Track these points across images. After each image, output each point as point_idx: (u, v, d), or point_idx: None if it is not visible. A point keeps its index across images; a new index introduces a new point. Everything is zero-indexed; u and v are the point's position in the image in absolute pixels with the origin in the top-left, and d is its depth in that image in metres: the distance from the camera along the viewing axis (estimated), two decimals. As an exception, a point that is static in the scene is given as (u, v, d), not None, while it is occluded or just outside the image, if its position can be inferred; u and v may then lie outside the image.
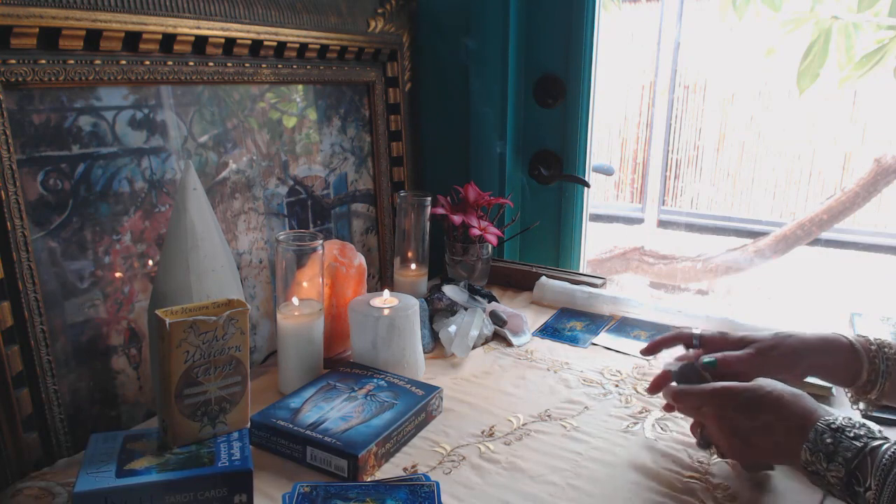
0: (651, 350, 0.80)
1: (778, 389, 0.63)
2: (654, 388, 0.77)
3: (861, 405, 0.72)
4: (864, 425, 0.56)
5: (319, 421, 0.77)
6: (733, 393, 0.64)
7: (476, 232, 1.20)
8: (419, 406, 0.81)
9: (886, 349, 0.67)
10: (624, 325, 1.13)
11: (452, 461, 0.75)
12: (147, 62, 0.87)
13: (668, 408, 0.80)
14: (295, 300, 0.89)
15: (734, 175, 2.66)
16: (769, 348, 0.68)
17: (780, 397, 0.61)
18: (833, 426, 0.56)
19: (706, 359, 0.68)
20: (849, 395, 0.72)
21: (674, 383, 0.73)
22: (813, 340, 0.68)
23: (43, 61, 0.76)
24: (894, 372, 0.66)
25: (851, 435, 0.55)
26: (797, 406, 0.60)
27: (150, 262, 0.90)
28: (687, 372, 0.72)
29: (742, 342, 0.72)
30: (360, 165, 1.29)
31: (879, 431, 0.56)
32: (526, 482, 0.71)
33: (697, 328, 0.77)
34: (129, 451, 0.65)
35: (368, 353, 0.92)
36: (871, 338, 0.69)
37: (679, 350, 0.81)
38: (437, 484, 0.67)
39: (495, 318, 1.09)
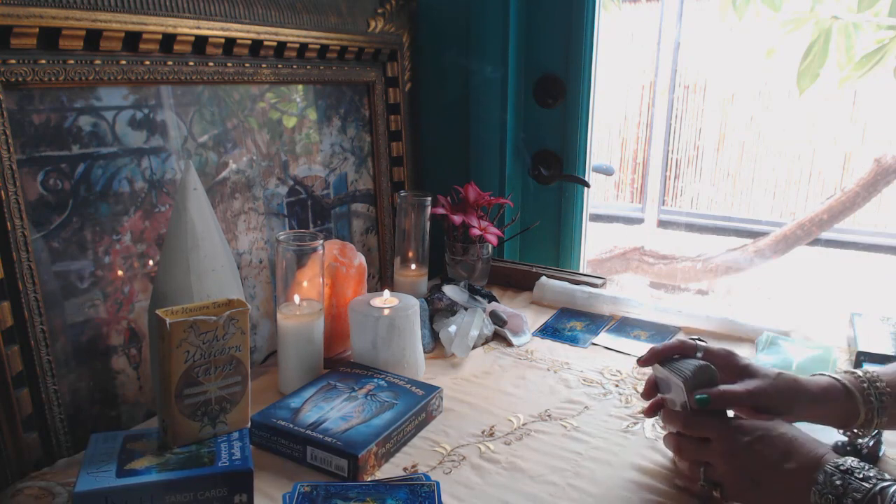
0: (649, 360, 0.74)
1: (791, 431, 0.61)
2: (650, 409, 0.75)
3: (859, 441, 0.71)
4: (872, 467, 0.56)
5: (320, 421, 0.77)
6: (745, 430, 0.63)
7: (476, 232, 1.20)
8: (419, 406, 0.81)
9: (878, 384, 0.65)
10: (624, 325, 1.13)
11: (452, 461, 0.75)
12: (147, 62, 0.87)
13: (650, 412, 0.75)
14: (297, 298, 0.89)
15: (734, 175, 2.66)
16: (767, 387, 0.65)
17: (793, 439, 0.60)
18: (842, 468, 0.56)
19: (698, 395, 0.65)
20: (842, 434, 0.70)
21: (679, 384, 0.68)
22: (811, 388, 0.66)
23: (43, 61, 0.76)
24: (889, 406, 0.65)
25: (861, 476, 0.55)
26: (808, 448, 0.59)
27: (150, 262, 0.90)
28: (700, 375, 0.67)
29: (744, 372, 0.68)
30: (360, 165, 1.29)
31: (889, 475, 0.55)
32: (526, 482, 0.71)
33: (703, 339, 0.73)
34: (129, 451, 0.65)
35: (368, 353, 0.92)
36: (860, 372, 0.67)
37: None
38: (438, 484, 0.67)
39: (495, 318, 1.09)
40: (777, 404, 0.65)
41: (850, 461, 0.56)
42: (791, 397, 0.65)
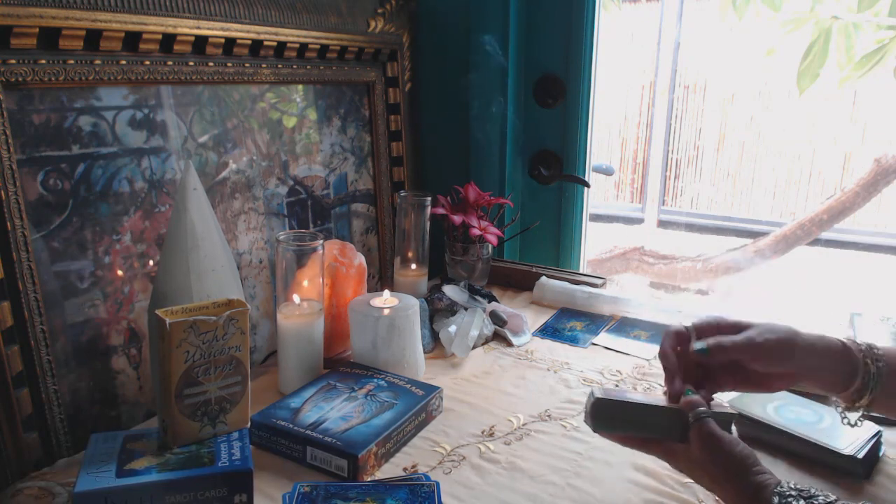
0: (668, 358, 0.70)
1: (707, 456, 0.60)
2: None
3: (851, 417, 0.70)
4: (816, 496, 0.54)
5: (319, 421, 0.77)
6: (678, 458, 0.63)
7: (476, 232, 1.20)
8: (419, 406, 0.81)
9: (880, 363, 0.65)
10: (624, 325, 1.13)
11: (452, 461, 0.75)
12: (147, 62, 0.87)
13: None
14: (296, 298, 0.89)
15: (734, 175, 2.66)
16: (765, 332, 0.65)
17: (726, 473, 0.59)
18: None
19: (697, 345, 0.64)
20: (838, 404, 0.69)
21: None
22: (807, 336, 0.66)
23: (43, 61, 0.76)
24: (886, 382, 0.64)
25: None
26: (745, 484, 0.58)
27: (150, 262, 0.90)
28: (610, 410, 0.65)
29: (736, 328, 0.68)
30: (360, 165, 1.29)
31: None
32: (526, 482, 0.71)
33: (688, 322, 0.71)
34: (129, 451, 0.65)
35: (368, 353, 0.92)
36: (862, 344, 0.66)
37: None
38: (437, 484, 0.67)
39: (495, 318, 1.09)
40: (777, 345, 0.64)
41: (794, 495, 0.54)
42: (789, 342, 0.64)
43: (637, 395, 0.67)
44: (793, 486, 0.56)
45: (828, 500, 0.54)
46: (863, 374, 0.64)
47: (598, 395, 0.65)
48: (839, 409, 0.69)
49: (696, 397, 0.64)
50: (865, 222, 2.43)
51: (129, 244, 0.88)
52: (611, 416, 0.64)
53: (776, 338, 0.64)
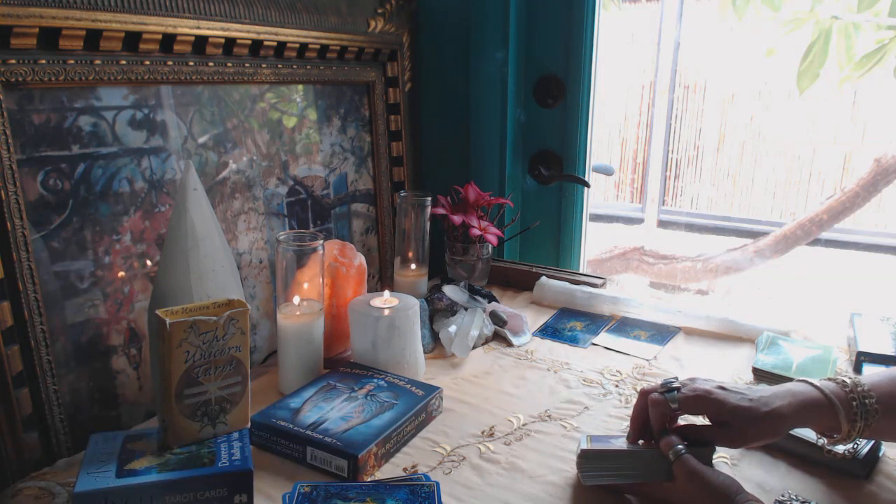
0: (638, 421, 0.71)
1: (692, 490, 0.61)
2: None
3: (838, 449, 0.70)
4: None
5: (319, 421, 0.77)
6: (668, 496, 0.65)
7: (476, 232, 1.20)
8: (419, 406, 0.81)
9: (867, 401, 0.64)
10: (624, 325, 1.13)
11: (452, 461, 0.75)
12: (147, 62, 0.87)
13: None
14: (296, 299, 0.89)
15: (734, 175, 2.66)
16: (737, 433, 0.65)
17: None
18: None
19: (671, 399, 0.66)
20: (820, 441, 0.70)
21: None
22: (794, 407, 0.65)
23: (43, 61, 0.76)
24: (874, 422, 0.64)
25: None
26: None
27: (150, 262, 0.90)
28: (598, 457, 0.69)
29: (720, 412, 0.65)
30: (360, 165, 1.29)
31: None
32: (526, 482, 0.71)
33: (675, 386, 0.69)
34: (129, 451, 0.65)
35: (368, 353, 0.92)
36: (851, 382, 0.66)
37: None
38: (437, 484, 0.67)
39: (495, 318, 1.09)
40: (766, 430, 0.65)
41: None
42: (773, 418, 0.64)
43: (622, 442, 0.71)
44: None
45: None
46: (849, 427, 0.65)
47: (584, 445, 0.69)
48: (820, 442, 0.70)
49: (672, 436, 0.66)
50: (865, 222, 2.43)
51: (129, 244, 0.88)
52: (598, 466, 0.68)
53: (763, 426, 0.64)
